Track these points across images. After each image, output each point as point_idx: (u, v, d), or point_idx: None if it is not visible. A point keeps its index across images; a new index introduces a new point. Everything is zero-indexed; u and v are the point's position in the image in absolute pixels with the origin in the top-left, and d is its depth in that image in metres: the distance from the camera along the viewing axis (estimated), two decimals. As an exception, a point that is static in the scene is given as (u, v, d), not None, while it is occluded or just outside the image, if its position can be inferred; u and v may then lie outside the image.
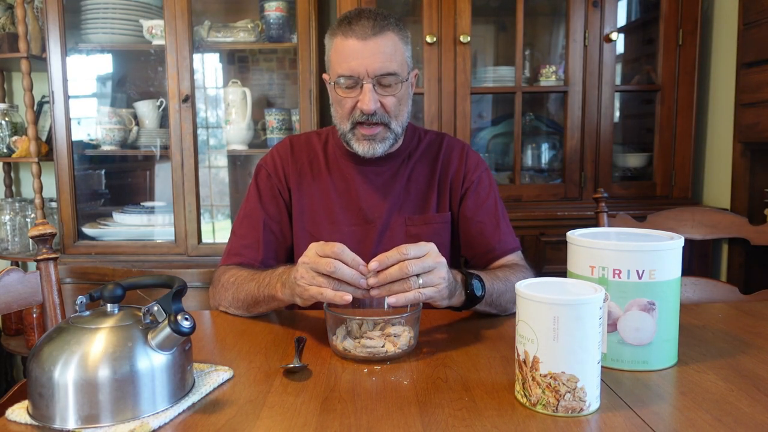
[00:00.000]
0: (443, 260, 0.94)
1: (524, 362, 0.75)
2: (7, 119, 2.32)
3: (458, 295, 1.01)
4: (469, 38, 2.04)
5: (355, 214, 1.27)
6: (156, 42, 2.20)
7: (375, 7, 2.02)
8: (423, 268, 0.91)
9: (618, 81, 2.17)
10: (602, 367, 0.78)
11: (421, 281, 0.91)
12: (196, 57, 2.23)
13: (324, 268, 0.90)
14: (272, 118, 2.28)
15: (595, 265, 0.87)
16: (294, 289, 0.95)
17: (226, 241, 1.29)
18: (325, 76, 1.24)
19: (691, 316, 1.12)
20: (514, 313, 0.77)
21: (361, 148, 1.20)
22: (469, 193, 1.30)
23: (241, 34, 2.22)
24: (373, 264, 0.90)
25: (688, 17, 2.08)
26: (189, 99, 2.12)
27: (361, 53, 1.13)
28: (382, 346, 0.90)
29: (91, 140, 2.34)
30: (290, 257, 1.30)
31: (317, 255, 0.91)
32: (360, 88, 1.15)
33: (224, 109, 2.31)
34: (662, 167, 2.15)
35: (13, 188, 2.57)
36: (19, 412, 0.74)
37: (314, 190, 1.28)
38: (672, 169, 2.14)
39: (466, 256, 1.32)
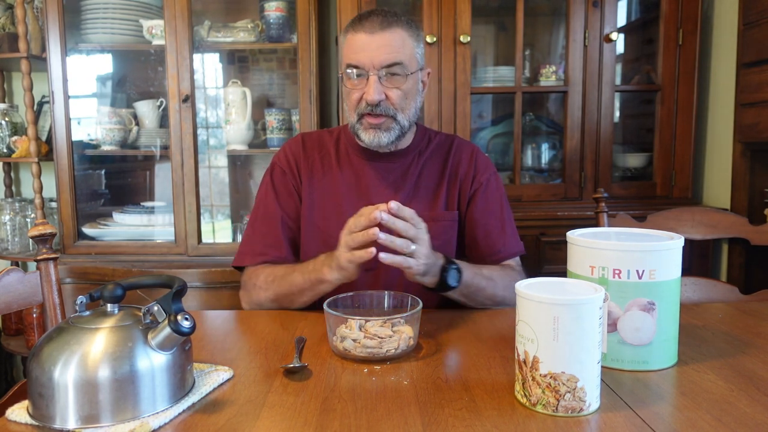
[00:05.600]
0: (428, 237, 1.03)
1: (524, 362, 0.75)
2: (7, 119, 2.32)
3: (432, 276, 1.07)
4: (469, 38, 2.04)
5: None
6: (156, 42, 2.20)
7: (376, 6, 2.04)
8: (417, 237, 1.00)
9: (618, 81, 2.16)
10: (602, 367, 0.78)
11: (413, 248, 1.00)
12: (196, 57, 2.22)
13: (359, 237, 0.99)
14: (272, 118, 2.28)
15: (595, 265, 0.87)
16: (339, 261, 1.03)
17: (231, 240, 1.29)
18: (340, 72, 1.27)
19: (691, 316, 1.12)
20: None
21: (367, 137, 1.22)
22: (477, 195, 1.31)
23: (241, 34, 2.22)
24: (393, 204, 0.99)
25: (688, 17, 2.08)
26: (189, 99, 2.12)
27: (369, 45, 1.17)
28: (382, 346, 0.90)
29: (91, 140, 2.34)
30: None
31: (351, 230, 1.01)
32: (367, 80, 1.18)
33: (224, 109, 2.31)
34: (662, 167, 2.15)
35: (13, 188, 2.56)
36: (19, 412, 0.74)
37: (324, 185, 1.30)
38: (672, 169, 2.14)
39: (470, 257, 1.32)
